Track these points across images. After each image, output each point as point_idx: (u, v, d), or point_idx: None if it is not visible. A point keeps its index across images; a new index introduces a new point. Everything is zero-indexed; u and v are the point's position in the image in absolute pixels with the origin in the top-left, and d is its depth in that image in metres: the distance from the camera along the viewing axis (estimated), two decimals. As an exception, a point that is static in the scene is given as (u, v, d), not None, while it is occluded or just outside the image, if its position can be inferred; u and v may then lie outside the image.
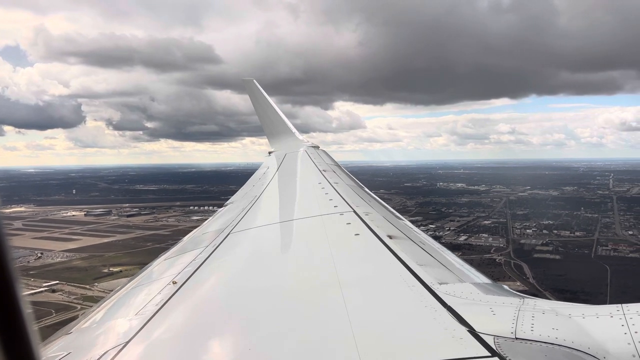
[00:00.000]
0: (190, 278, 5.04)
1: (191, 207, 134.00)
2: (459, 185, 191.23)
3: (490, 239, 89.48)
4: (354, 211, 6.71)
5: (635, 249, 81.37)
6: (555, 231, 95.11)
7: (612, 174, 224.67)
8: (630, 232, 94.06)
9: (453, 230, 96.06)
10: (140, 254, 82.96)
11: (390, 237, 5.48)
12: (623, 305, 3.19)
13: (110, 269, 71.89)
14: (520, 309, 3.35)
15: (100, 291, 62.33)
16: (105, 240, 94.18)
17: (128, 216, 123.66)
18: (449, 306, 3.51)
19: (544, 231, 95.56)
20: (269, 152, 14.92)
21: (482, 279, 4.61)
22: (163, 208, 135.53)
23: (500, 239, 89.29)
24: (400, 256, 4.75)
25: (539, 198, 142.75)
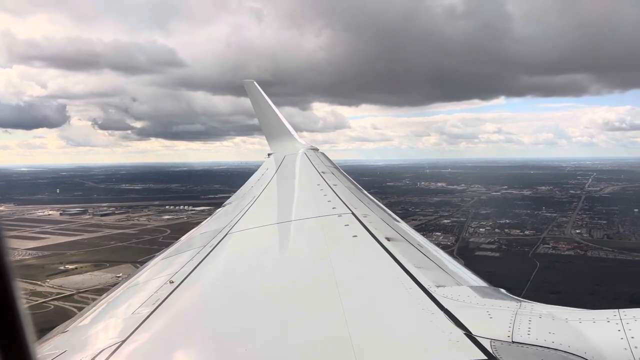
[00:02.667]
0: (188, 278, 5.08)
1: (167, 207, 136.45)
2: (439, 184, 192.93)
3: (442, 237, 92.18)
4: (352, 213, 6.72)
5: (572, 246, 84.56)
6: (506, 230, 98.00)
7: (594, 174, 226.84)
8: (578, 231, 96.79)
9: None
10: (101, 252, 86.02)
11: (388, 239, 5.49)
12: (620, 310, 3.22)
13: (66, 267, 74.76)
14: (517, 313, 3.37)
15: (50, 287, 65.42)
16: (72, 238, 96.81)
17: (102, 215, 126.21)
18: (446, 309, 3.53)
19: (496, 230, 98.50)
20: (268, 154, 14.97)
21: (480, 282, 4.62)
22: (139, 207, 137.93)
23: (451, 238, 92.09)
24: (398, 258, 4.77)
25: (509, 197, 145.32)
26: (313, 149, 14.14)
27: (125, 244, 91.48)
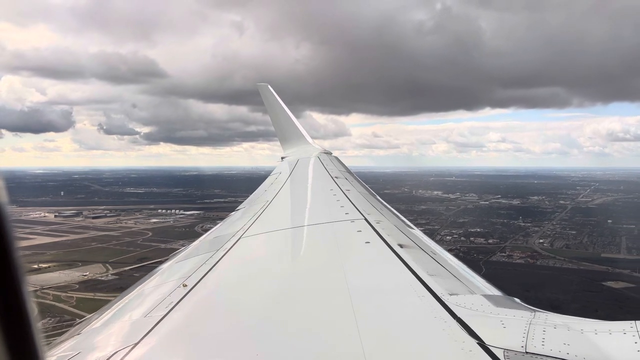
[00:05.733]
0: (201, 281, 5.12)
1: (159, 210, 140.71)
2: (435, 193, 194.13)
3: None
4: (365, 219, 6.71)
5: (526, 255, 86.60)
6: (472, 238, 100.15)
7: (597, 184, 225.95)
8: (541, 241, 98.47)
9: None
10: (79, 252, 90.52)
11: (401, 245, 5.49)
12: (637, 322, 3.21)
13: (40, 265, 79.55)
14: (531, 323, 3.36)
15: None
16: (57, 239, 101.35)
17: (94, 218, 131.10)
18: (459, 318, 3.52)
19: (462, 238, 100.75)
20: (282, 158, 15.01)
21: (494, 291, 4.61)
22: (133, 211, 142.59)
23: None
24: (411, 265, 4.77)
25: (495, 207, 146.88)
26: (326, 153, 14.13)
27: (104, 245, 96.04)
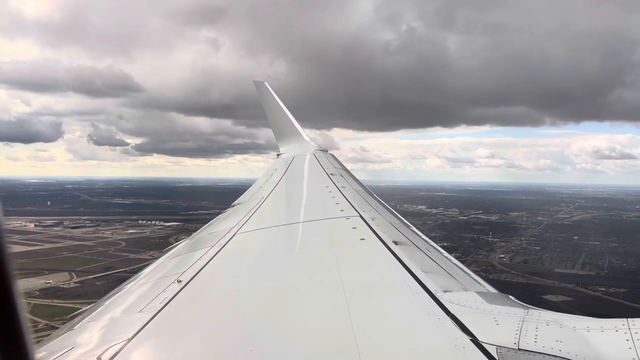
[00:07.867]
0: (195, 277, 5.15)
1: (140, 221, 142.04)
2: (419, 207, 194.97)
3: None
4: (360, 216, 6.73)
5: (481, 269, 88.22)
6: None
7: (582, 201, 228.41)
8: (502, 256, 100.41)
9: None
10: (49, 261, 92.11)
11: (395, 243, 5.53)
12: (629, 319, 3.27)
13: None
14: (524, 320, 3.41)
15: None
16: (30, 248, 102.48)
17: (72, 228, 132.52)
18: (453, 314, 3.56)
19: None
20: (277, 155, 15.09)
21: (488, 288, 4.71)
22: (113, 221, 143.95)
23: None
24: (405, 262, 4.81)
25: (472, 222, 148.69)
26: (322, 150, 14.18)
27: (75, 255, 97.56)
